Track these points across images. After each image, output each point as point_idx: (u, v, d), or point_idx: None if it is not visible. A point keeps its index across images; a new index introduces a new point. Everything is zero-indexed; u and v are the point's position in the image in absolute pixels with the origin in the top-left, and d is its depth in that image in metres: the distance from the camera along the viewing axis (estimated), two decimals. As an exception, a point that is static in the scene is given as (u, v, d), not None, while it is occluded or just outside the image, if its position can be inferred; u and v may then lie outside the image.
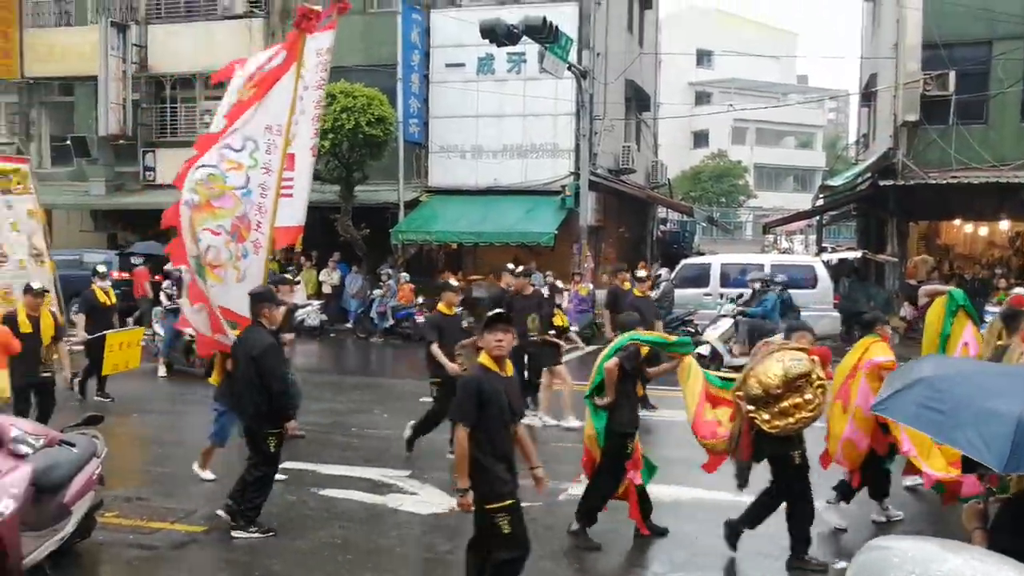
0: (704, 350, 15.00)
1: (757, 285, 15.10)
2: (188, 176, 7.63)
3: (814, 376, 6.09)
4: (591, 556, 6.67)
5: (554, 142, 21.09)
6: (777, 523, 6.51)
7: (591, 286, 18.48)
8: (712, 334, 14.89)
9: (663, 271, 18.46)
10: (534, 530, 6.78)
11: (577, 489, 7.86)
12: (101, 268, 12.48)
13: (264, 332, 6.83)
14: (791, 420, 6.08)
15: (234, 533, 6.70)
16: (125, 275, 19.13)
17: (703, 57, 62.97)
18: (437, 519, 7.28)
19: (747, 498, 6.68)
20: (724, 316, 15.17)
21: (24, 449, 5.50)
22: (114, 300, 12.11)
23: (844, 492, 7.29)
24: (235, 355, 6.91)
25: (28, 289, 8.98)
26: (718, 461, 6.68)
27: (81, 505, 5.98)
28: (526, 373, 10.71)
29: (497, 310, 5.41)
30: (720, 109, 47.12)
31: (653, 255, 29.52)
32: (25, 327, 8.60)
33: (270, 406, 6.66)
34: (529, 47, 18.99)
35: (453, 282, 10.64)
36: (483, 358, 5.14)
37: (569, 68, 18.34)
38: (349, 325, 19.86)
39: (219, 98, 26.22)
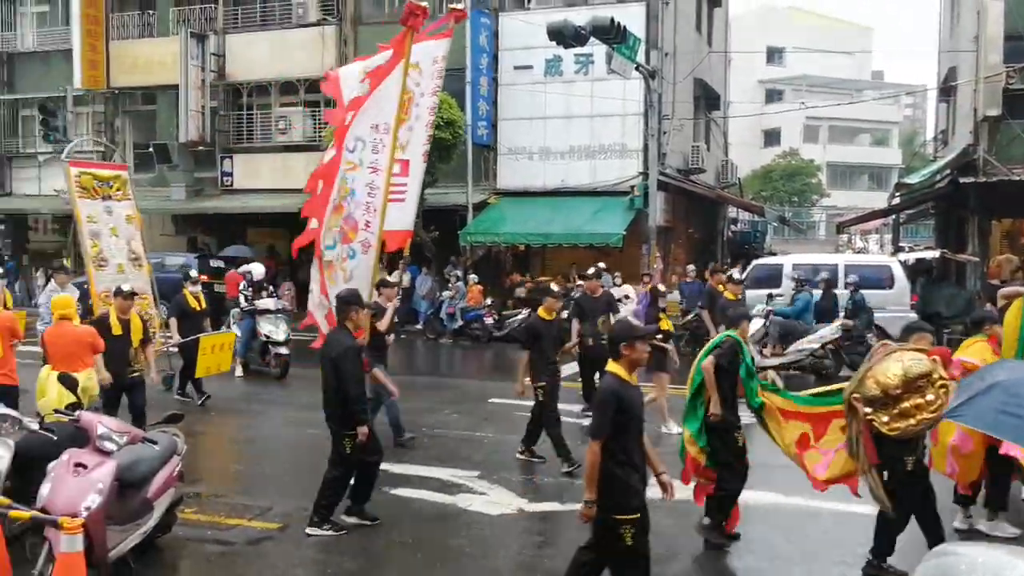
0: None
1: (791, 283, 15.03)
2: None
3: (935, 376, 5.81)
4: (664, 561, 6.62)
5: (622, 142, 20.99)
6: (857, 529, 6.37)
7: (661, 287, 18.29)
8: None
9: (733, 272, 18.13)
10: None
11: (650, 492, 7.82)
12: (192, 273, 12.73)
13: (346, 335, 6.86)
14: (911, 422, 5.80)
15: (308, 530, 6.84)
16: (204, 278, 19.68)
17: (774, 54, 61.90)
18: (506, 520, 7.31)
19: (818, 502, 6.55)
20: (755, 316, 14.89)
21: (110, 446, 5.70)
22: (204, 304, 12.19)
23: (964, 501, 7.03)
24: (321, 357, 6.98)
25: (118, 292, 9.24)
26: (852, 481, 6.27)
27: (163, 501, 6.18)
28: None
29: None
30: (792, 107, 46.17)
31: (723, 255, 29.13)
32: (116, 329, 8.89)
33: (345, 409, 6.76)
34: (596, 48, 18.95)
35: (555, 287, 10.67)
36: (617, 368, 4.98)
37: (637, 68, 18.22)
38: (419, 326, 20.09)
39: (293, 104, 26.94)
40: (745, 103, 42.22)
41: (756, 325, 14.57)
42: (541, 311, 9.00)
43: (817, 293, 15.20)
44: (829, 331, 14.06)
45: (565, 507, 7.47)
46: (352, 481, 7.06)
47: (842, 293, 15.50)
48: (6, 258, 26.26)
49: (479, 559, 6.62)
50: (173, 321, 11.81)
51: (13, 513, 5.07)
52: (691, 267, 19.26)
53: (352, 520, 7.05)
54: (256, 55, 24.33)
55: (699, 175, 25.09)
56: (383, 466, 8.62)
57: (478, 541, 6.89)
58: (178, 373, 12.00)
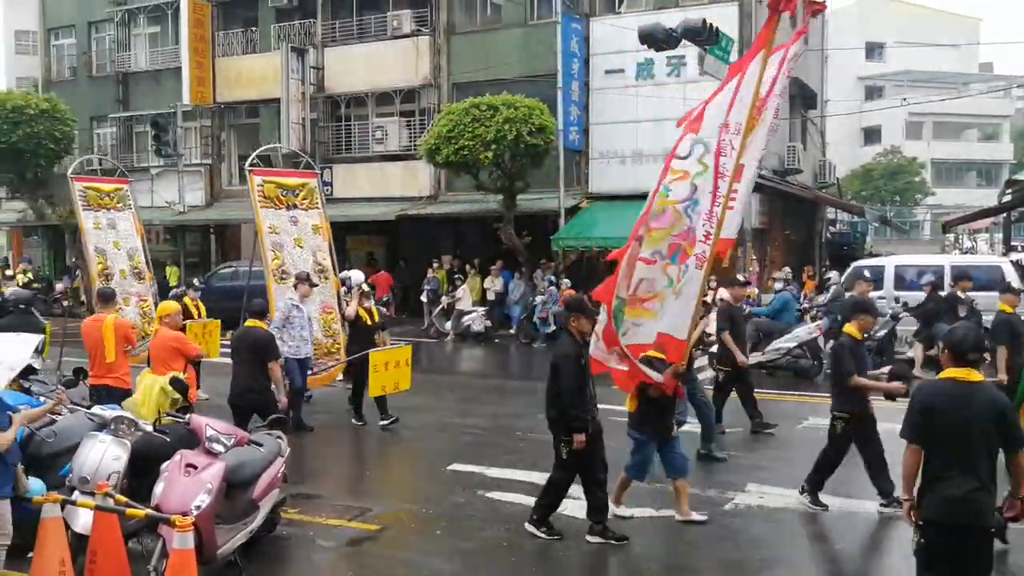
0: (717, 349, 14.86)
1: (778, 285, 14.90)
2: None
3: None
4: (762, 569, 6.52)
5: (716, 145, 20.68)
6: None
7: (756, 290, 18.00)
8: (776, 342, 14.70)
9: (833, 274, 17.76)
10: (696, 540, 6.74)
11: (744, 498, 7.73)
12: (365, 287, 11.81)
13: (570, 340, 6.80)
14: None
15: (527, 526, 6.96)
16: None
17: (873, 50, 59.87)
18: (599, 525, 7.31)
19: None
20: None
21: (218, 448, 5.97)
22: (378, 318, 11.28)
23: None
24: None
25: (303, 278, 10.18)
26: None
27: (267, 501, 6.42)
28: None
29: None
30: (893, 103, 44.56)
31: (822, 257, 28.37)
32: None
33: (560, 412, 6.69)
34: (688, 50, 18.74)
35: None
36: (951, 372, 4.72)
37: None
38: (512, 331, 20.25)
39: (389, 115, 27.45)
40: (843, 101, 41.03)
41: None
42: (852, 328, 7.86)
43: (841, 292, 14.90)
44: (805, 331, 14.06)
45: (660, 512, 7.43)
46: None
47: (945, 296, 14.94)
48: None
49: (572, 563, 6.65)
50: (343, 338, 11.43)
51: (130, 511, 5.37)
52: (786, 269, 18.83)
53: (532, 529, 6.97)
54: (353, 68, 24.97)
55: (795, 176, 24.53)
56: (477, 469, 8.79)
57: (572, 545, 6.91)
58: (351, 395, 11.29)
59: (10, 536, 5.34)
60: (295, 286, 10.80)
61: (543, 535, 6.87)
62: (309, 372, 11.04)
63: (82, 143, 29.01)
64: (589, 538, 6.80)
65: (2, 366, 5.08)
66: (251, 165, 12.02)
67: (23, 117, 25.12)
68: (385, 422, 10.55)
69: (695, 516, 7.18)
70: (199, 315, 12.96)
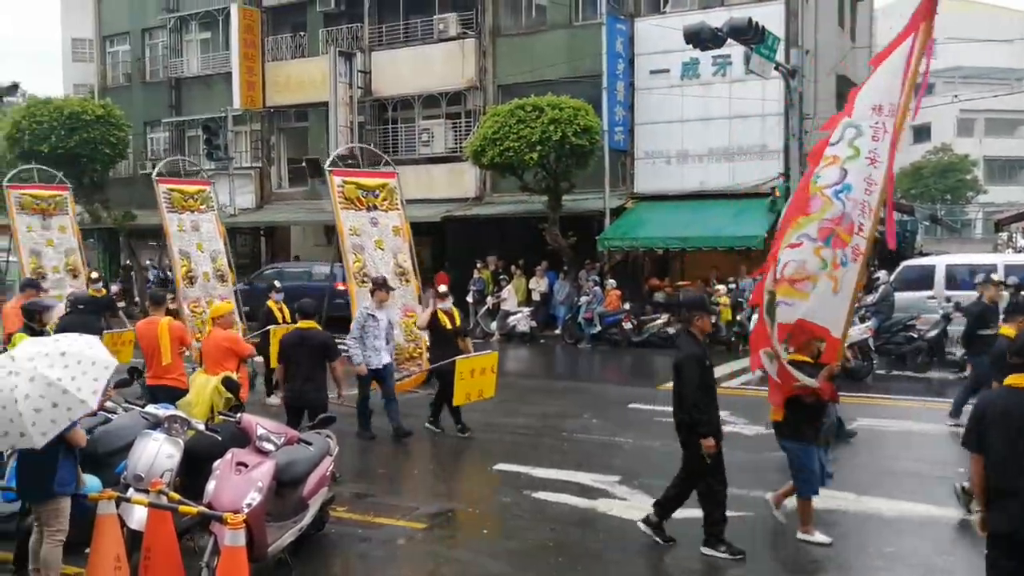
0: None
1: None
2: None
3: None
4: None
5: (762, 143, 20.48)
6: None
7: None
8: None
9: (882, 273, 17.40)
10: (744, 541, 6.69)
11: (793, 500, 7.64)
12: (442, 288, 11.46)
13: (691, 341, 6.64)
14: None
15: (703, 549, 6.59)
16: (343, 285, 20.49)
17: (923, 46, 58.62)
18: (646, 526, 7.29)
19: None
20: None
21: (268, 446, 6.07)
22: (459, 322, 10.92)
23: None
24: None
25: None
26: None
27: (317, 499, 6.52)
28: None
29: None
30: (943, 100, 43.59)
31: (871, 256, 27.86)
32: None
33: (689, 416, 6.47)
34: (734, 49, 18.56)
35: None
36: (1012, 379, 4.61)
37: (776, 68, 17.75)
38: (558, 331, 20.25)
39: (435, 117, 27.62)
40: (894, 97, 40.22)
41: None
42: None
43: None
44: (856, 332, 13.69)
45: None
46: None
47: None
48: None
49: (619, 564, 6.64)
50: (423, 322, 10.96)
51: (183, 508, 5.48)
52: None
53: (712, 552, 6.58)
54: (400, 71, 25.18)
55: (845, 174, 24.11)
56: (524, 469, 8.82)
57: (618, 546, 6.90)
58: (433, 401, 10.92)
59: (67, 531, 5.50)
60: (372, 292, 10.48)
61: (724, 554, 6.48)
62: (396, 378, 10.77)
63: (136, 148, 29.67)
64: (704, 551, 6.56)
65: (98, 365, 5.21)
66: (330, 165, 11.83)
67: (80, 123, 25.73)
68: (462, 434, 10.28)
69: (818, 537, 6.74)
70: (283, 319, 12.36)
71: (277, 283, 13.87)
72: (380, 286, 10.39)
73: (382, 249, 11.58)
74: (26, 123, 25.68)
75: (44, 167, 19.58)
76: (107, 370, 5.26)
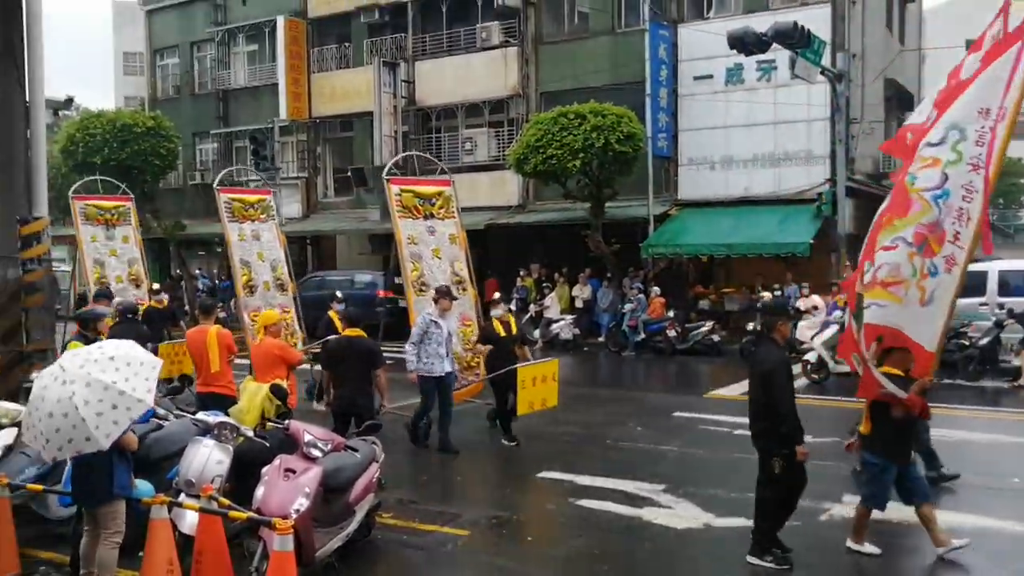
0: (811, 357, 14.52)
1: None
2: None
3: None
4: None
5: (808, 148, 20.24)
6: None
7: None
8: (818, 341, 14.47)
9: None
10: (790, 547, 6.61)
11: (840, 509, 7.55)
12: (496, 295, 11.60)
13: (775, 348, 6.53)
14: None
15: (748, 557, 6.52)
16: (388, 293, 20.71)
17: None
18: (693, 534, 7.24)
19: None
20: (832, 323, 14.63)
21: (315, 453, 6.15)
22: (515, 330, 10.60)
23: None
24: (750, 371, 6.68)
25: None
26: None
27: (363, 506, 6.58)
28: None
29: None
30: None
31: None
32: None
33: (776, 426, 6.32)
34: (779, 54, 18.41)
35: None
36: None
37: (822, 72, 17.57)
38: (601, 339, 20.18)
39: (478, 126, 27.72)
40: (945, 100, 39.48)
41: (831, 331, 14.35)
42: None
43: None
44: None
45: (752, 523, 7.29)
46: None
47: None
48: (223, 277, 28.62)
49: (665, 573, 6.60)
50: (484, 349, 10.61)
51: (233, 514, 5.58)
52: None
53: (757, 560, 6.49)
54: (443, 80, 25.36)
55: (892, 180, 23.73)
56: (568, 476, 8.81)
57: (664, 554, 6.87)
58: (492, 411, 10.78)
59: (123, 533, 5.63)
60: (435, 300, 10.19)
61: (770, 564, 6.39)
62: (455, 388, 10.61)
63: (185, 159, 30.26)
64: (750, 559, 6.48)
65: (146, 365, 5.39)
66: (388, 174, 11.76)
67: (131, 135, 26.31)
68: (510, 443, 10.18)
69: (955, 542, 6.53)
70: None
71: (339, 293, 13.73)
72: (444, 294, 10.17)
73: (439, 258, 11.47)
74: (80, 136, 26.33)
75: (108, 178, 20.01)
76: (154, 369, 5.44)
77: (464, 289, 11.53)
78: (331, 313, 12.36)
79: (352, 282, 21.88)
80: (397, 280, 21.45)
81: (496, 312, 10.49)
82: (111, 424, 5.12)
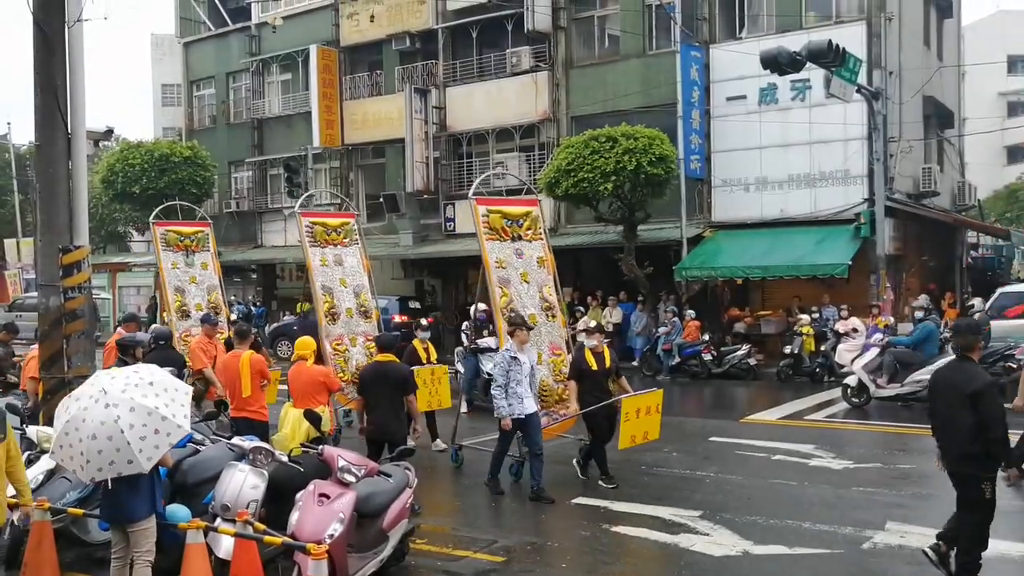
0: (851, 381, 14.27)
1: (919, 314, 14.11)
2: None
3: None
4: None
5: (845, 168, 20.02)
6: None
7: (891, 319, 17.22)
8: (858, 364, 14.22)
9: (976, 301, 16.81)
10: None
11: (884, 537, 7.36)
12: (591, 323, 10.88)
13: (977, 367, 6.27)
14: None
15: None
16: (403, 318, 20.68)
17: (1016, 63, 56.73)
18: (731, 561, 7.08)
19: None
20: (872, 346, 14.36)
21: (349, 478, 6.14)
22: (609, 362, 9.70)
23: None
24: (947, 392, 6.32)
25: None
26: None
27: (397, 531, 6.53)
28: None
29: None
30: (1040, 118, 42.15)
31: (963, 284, 26.88)
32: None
33: (984, 449, 6.01)
34: (814, 72, 18.29)
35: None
36: None
37: (858, 90, 17.40)
38: (635, 363, 20.00)
39: (509, 150, 27.84)
40: (983, 118, 38.99)
41: (871, 355, 14.11)
42: None
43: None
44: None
45: (793, 551, 7.14)
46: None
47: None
48: (258, 303, 28.91)
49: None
50: (572, 384, 9.55)
51: (267, 539, 5.57)
52: (924, 297, 17.88)
53: None
54: (474, 105, 25.52)
55: (932, 199, 23.41)
56: (603, 503, 8.69)
57: (701, 583, 6.73)
58: (583, 447, 10.00)
59: (154, 553, 5.65)
60: (510, 333, 9.35)
61: None
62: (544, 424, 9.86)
63: (221, 187, 30.69)
64: None
65: (180, 391, 5.50)
66: (475, 193, 11.03)
67: (169, 164, 26.79)
68: (608, 485, 9.38)
69: None
70: (428, 359, 11.77)
71: (424, 320, 13.29)
72: (519, 325, 9.37)
73: (527, 282, 10.61)
74: (120, 166, 26.85)
75: (186, 203, 20.17)
76: (187, 395, 5.57)
77: (553, 316, 10.75)
78: (415, 342, 11.98)
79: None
80: (412, 305, 21.50)
81: (590, 342, 9.62)
82: (153, 448, 5.26)
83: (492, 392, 9.25)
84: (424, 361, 11.66)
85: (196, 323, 13.93)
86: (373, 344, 12.84)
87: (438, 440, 11.68)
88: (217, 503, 6.22)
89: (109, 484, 5.40)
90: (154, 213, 17.07)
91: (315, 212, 15.23)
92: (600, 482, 9.40)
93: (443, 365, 11.99)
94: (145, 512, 5.61)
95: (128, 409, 5.21)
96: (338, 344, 12.84)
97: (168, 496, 6.44)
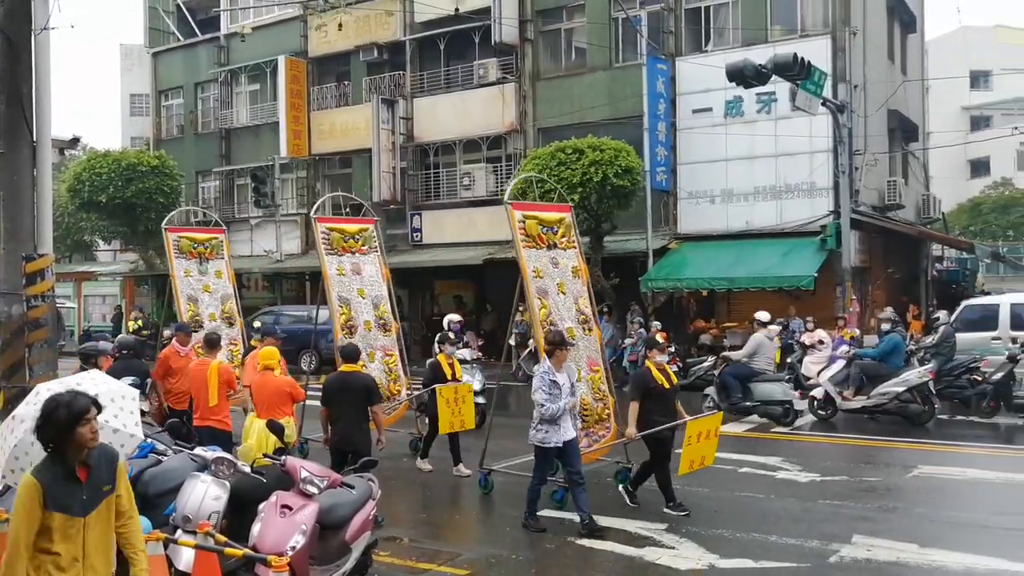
0: (817, 393, 14.35)
1: (885, 326, 14.36)
2: None
3: None
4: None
5: (811, 181, 20.25)
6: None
7: (857, 331, 17.38)
8: (824, 376, 14.33)
9: (942, 313, 17.04)
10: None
11: (850, 551, 7.38)
12: (659, 338, 10.09)
13: None
14: None
15: None
16: None
17: (978, 78, 57.85)
18: (696, 575, 7.06)
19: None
20: (838, 358, 14.52)
21: (312, 489, 6.04)
22: (675, 379, 9.09)
23: None
24: None
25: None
26: None
27: (359, 543, 6.44)
28: None
29: None
30: (1003, 133, 42.86)
31: (928, 296, 27.27)
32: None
33: None
34: (779, 86, 18.51)
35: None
36: None
37: (823, 103, 17.62)
38: (603, 374, 19.98)
39: (476, 161, 27.95)
40: (947, 132, 39.74)
41: (837, 367, 14.24)
42: None
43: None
44: (916, 375, 13.44)
45: (759, 565, 7.14)
46: None
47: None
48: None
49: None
50: (635, 405, 8.73)
51: (229, 551, 5.45)
52: (889, 309, 18.06)
53: None
54: (441, 116, 25.52)
55: (897, 211, 23.75)
56: (568, 516, 8.63)
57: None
58: (639, 467, 9.36)
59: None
60: (548, 352, 8.53)
61: None
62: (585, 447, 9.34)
63: (188, 196, 30.38)
64: None
65: (127, 398, 5.30)
66: (509, 198, 10.35)
67: (136, 174, 26.47)
68: (679, 511, 8.70)
69: None
70: (453, 375, 10.94)
71: (451, 335, 12.57)
72: (559, 344, 8.51)
73: (563, 293, 9.89)
74: (86, 175, 26.52)
75: (197, 207, 19.61)
76: (135, 401, 5.34)
77: (590, 329, 10.04)
78: (440, 356, 11.19)
79: (310, 317, 21.45)
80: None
81: (660, 358, 8.89)
82: None
83: (538, 425, 8.31)
84: (449, 378, 10.72)
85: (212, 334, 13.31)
86: (392, 359, 12.39)
87: (460, 465, 10.58)
88: (178, 514, 6.09)
89: None
90: (167, 219, 16.29)
91: (332, 218, 13.98)
92: (667, 509, 8.71)
93: (468, 383, 10.96)
94: None
95: None
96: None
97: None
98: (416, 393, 12.09)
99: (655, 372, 8.71)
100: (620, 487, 9.23)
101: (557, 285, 9.85)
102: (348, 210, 26.71)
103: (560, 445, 8.29)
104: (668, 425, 8.62)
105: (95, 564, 3.97)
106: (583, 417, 9.56)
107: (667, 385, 8.68)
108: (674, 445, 8.76)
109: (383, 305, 12.63)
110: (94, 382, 5.32)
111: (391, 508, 8.96)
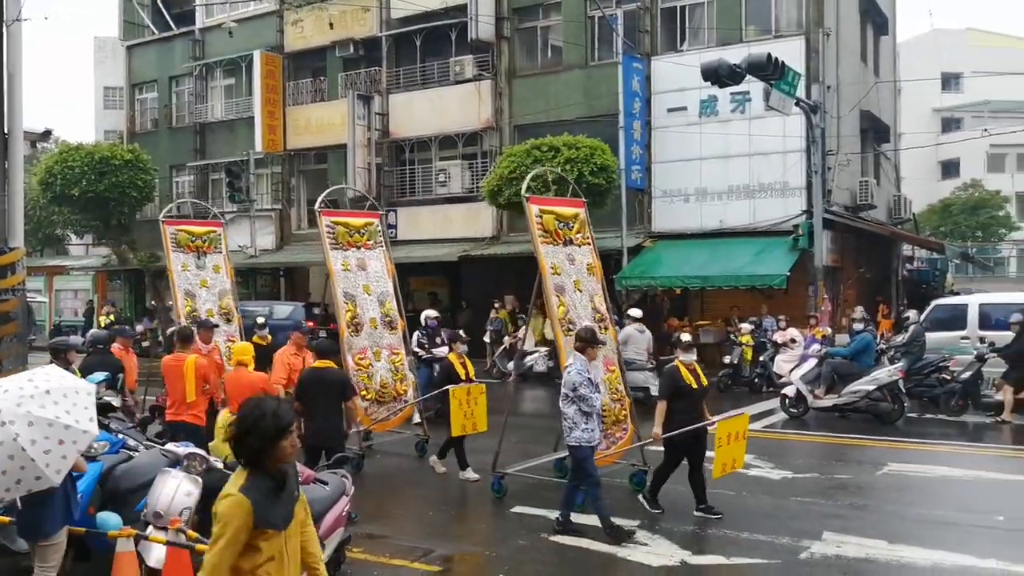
0: (789, 391, 14.50)
1: (857, 325, 14.68)
2: None
3: None
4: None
5: (784, 180, 20.43)
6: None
7: (829, 330, 17.58)
8: (796, 375, 14.48)
9: (911, 313, 17.28)
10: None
11: (820, 547, 7.47)
12: (685, 336, 9.69)
13: None
14: None
15: None
16: (311, 324, 20.45)
17: (950, 81, 58.54)
18: (668, 571, 7.12)
19: (1018, 566, 6.03)
20: (810, 357, 14.69)
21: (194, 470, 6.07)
22: (705, 380, 8.67)
23: None
24: None
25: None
26: None
27: (332, 540, 6.43)
28: None
29: None
30: (973, 135, 43.41)
31: (899, 296, 27.61)
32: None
33: None
34: (753, 85, 18.65)
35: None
36: None
37: (797, 104, 17.77)
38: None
39: (452, 158, 27.94)
40: (918, 133, 40.20)
41: (809, 365, 14.40)
42: None
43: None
44: (886, 373, 13.67)
45: (731, 561, 7.21)
46: None
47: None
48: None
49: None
50: (662, 405, 8.44)
51: (200, 547, 5.42)
52: (860, 309, 18.26)
53: None
54: (417, 113, 25.48)
55: (869, 212, 24.01)
56: (541, 512, 8.67)
57: (639, 590, 6.75)
58: (654, 472, 9.02)
59: (58, 566, 5.50)
60: (579, 349, 8.13)
61: None
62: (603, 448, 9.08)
63: (162, 191, 30.11)
64: None
65: (81, 392, 5.22)
66: (526, 191, 10.08)
67: (109, 168, 26.20)
68: (711, 515, 8.42)
69: None
70: (467, 376, 10.49)
71: (462, 332, 11.99)
72: (591, 340, 8.11)
73: (580, 291, 9.66)
74: (58, 168, 26.21)
75: (196, 200, 19.34)
76: (90, 395, 5.26)
77: (606, 328, 9.74)
78: (451, 356, 10.77)
79: (272, 312, 21.39)
80: (316, 311, 21.05)
81: (687, 357, 8.55)
82: (60, 459, 4.95)
83: (571, 421, 8.03)
84: (462, 378, 10.33)
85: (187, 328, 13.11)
86: (399, 358, 12.15)
87: (468, 469, 10.19)
88: (149, 510, 6.05)
89: (18, 503, 5.18)
90: (165, 211, 15.92)
91: (337, 211, 13.59)
92: (698, 512, 8.48)
93: (481, 384, 10.53)
94: (58, 526, 5.42)
95: (26, 424, 4.86)
96: (361, 358, 11.65)
97: (99, 503, 6.26)
98: (426, 396, 12.06)
99: (684, 371, 8.44)
100: (640, 497, 8.91)
101: (574, 283, 9.67)
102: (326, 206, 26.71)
103: (594, 444, 8.05)
104: (689, 428, 8.28)
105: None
106: (602, 418, 9.06)
107: (695, 385, 8.41)
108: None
109: (389, 302, 12.38)
110: (47, 377, 5.24)
111: (365, 504, 8.94)
